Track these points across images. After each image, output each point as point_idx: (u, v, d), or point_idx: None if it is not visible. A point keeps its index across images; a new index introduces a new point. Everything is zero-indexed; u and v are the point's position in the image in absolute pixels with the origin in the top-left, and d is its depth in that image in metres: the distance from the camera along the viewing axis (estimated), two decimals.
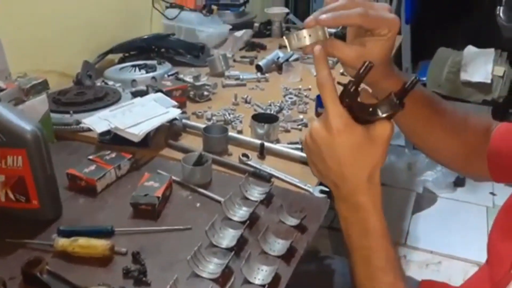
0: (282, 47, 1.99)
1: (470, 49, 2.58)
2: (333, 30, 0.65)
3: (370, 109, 0.60)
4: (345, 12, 0.61)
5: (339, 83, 0.63)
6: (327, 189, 0.95)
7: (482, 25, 2.65)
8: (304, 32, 0.64)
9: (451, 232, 2.32)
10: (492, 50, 2.51)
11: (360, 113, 0.60)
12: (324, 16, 0.61)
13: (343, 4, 0.62)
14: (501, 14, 2.49)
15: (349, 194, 0.62)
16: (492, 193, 2.61)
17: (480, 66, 2.47)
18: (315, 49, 0.62)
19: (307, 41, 0.64)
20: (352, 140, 0.59)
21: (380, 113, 0.60)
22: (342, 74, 1.60)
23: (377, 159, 0.60)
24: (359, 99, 0.61)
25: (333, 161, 0.61)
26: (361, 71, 0.59)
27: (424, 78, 2.60)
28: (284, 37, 0.66)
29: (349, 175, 0.61)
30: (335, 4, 0.63)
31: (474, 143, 0.79)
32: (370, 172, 0.60)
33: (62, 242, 0.79)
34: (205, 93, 1.45)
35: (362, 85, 0.62)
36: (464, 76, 2.48)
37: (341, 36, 0.69)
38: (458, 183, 2.66)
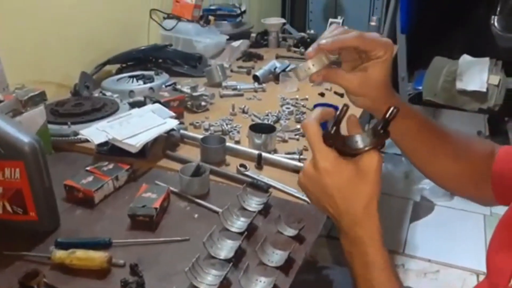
0: (279, 57, 2.00)
1: (465, 58, 2.60)
2: (333, 57, 0.67)
3: (356, 141, 0.62)
4: (342, 36, 0.64)
5: (335, 93, 0.65)
6: None
7: (477, 34, 2.68)
8: (309, 63, 0.67)
9: (448, 241, 2.32)
10: (487, 59, 2.53)
11: (345, 149, 0.62)
12: (323, 41, 0.64)
13: (339, 31, 0.66)
14: (495, 24, 2.52)
15: (348, 228, 0.63)
16: None
17: (475, 75, 2.48)
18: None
19: (313, 70, 0.67)
20: (342, 178, 0.62)
21: (364, 146, 0.61)
22: (336, 93, 1.61)
23: (369, 191, 0.62)
24: (345, 132, 0.63)
25: (328, 199, 0.63)
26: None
27: (420, 87, 2.62)
28: (292, 72, 0.69)
29: (344, 211, 0.63)
30: (332, 31, 0.66)
31: (479, 167, 0.79)
32: (365, 205, 0.62)
33: (60, 254, 0.79)
34: (203, 103, 1.46)
35: (350, 110, 0.63)
36: (460, 85, 2.50)
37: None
38: None
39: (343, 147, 0.62)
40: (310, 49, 0.66)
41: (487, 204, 0.86)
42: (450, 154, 0.79)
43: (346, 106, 0.60)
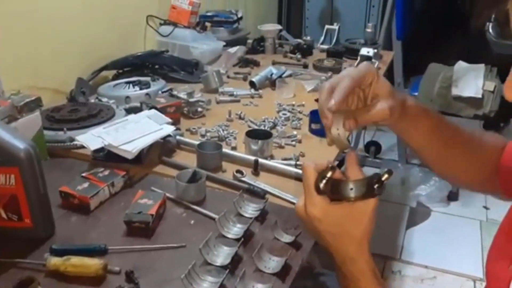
0: (275, 63, 2.00)
1: (460, 64, 2.60)
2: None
3: (351, 189, 0.63)
4: (338, 88, 0.63)
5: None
6: None
7: (472, 41, 2.69)
8: (334, 131, 0.66)
9: (445, 247, 2.32)
10: (482, 65, 2.54)
11: (336, 196, 0.63)
12: (332, 103, 0.62)
13: (331, 86, 0.65)
14: (490, 30, 2.53)
15: (340, 263, 0.65)
16: (485, 207, 2.62)
17: (471, 81, 2.49)
18: None
19: (342, 132, 0.66)
20: (332, 223, 0.63)
21: (355, 197, 0.62)
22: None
23: (361, 233, 0.63)
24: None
25: (319, 238, 0.66)
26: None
27: (416, 93, 2.62)
28: (328, 141, 0.69)
29: (335, 249, 0.65)
30: (326, 93, 0.65)
31: (491, 161, 0.80)
32: (357, 244, 0.64)
33: (55, 261, 0.78)
34: (199, 109, 1.46)
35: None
36: (455, 91, 2.50)
37: None
38: (452, 197, 2.67)
39: (334, 195, 0.63)
40: (325, 120, 0.65)
41: (500, 198, 0.86)
42: (466, 149, 0.80)
43: (333, 168, 0.62)
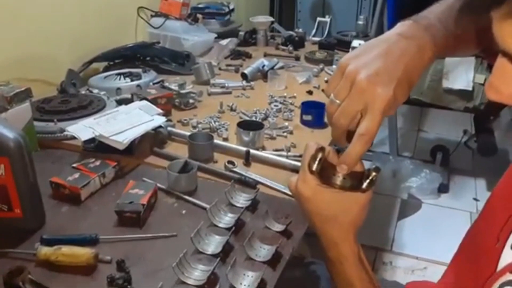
0: (267, 55, 2.00)
1: (451, 57, 2.62)
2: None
3: (338, 178, 0.63)
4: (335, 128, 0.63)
5: (323, 91, 0.66)
6: None
7: None
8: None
9: (436, 238, 2.34)
10: (472, 58, 2.56)
11: (327, 181, 0.63)
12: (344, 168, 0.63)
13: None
14: None
15: (326, 248, 0.66)
16: (476, 199, 2.65)
17: (461, 74, 2.50)
18: None
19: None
20: (318, 206, 0.64)
21: (342, 187, 0.63)
22: (324, 91, 1.61)
23: (349, 219, 0.64)
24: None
25: (308, 218, 0.66)
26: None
27: None
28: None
29: (321, 232, 0.65)
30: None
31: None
32: (345, 229, 0.64)
33: (45, 251, 0.78)
34: (191, 101, 1.46)
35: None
36: (446, 84, 2.52)
37: None
38: (442, 189, 2.69)
39: (323, 177, 0.63)
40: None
41: None
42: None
43: (322, 149, 0.62)
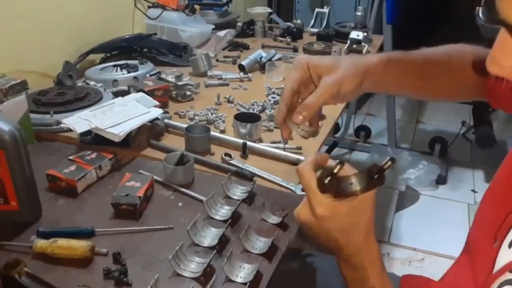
0: (265, 46, 1.99)
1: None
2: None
3: (351, 184, 0.63)
4: (280, 105, 0.78)
5: None
6: None
7: (462, 25, 2.69)
8: (298, 131, 0.80)
9: (433, 229, 2.35)
10: None
11: (340, 193, 0.63)
12: (276, 119, 0.80)
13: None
14: (480, 15, 2.52)
15: (349, 257, 0.66)
16: (474, 191, 2.65)
17: None
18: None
19: (305, 127, 0.79)
20: (340, 220, 0.64)
21: (357, 190, 0.63)
22: None
23: (367, 221, 0.65)
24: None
25: (328, 238, 0.65)
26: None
27: None
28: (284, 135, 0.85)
29: (345, 244, 0.65)
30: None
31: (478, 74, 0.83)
32: (365, 234, 0.65)
33: (41, 244, 0.78)
34: (188, 93, 1.45)
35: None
36: None
37: None
38: (440, 180, 2.70)
39: (337, 192, 0.63)
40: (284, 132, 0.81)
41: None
42: (439, 71, 0.84)
43: (341, 164, 0.62)
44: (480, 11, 0.84)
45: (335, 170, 0.62)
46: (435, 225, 2.38)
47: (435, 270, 2.10)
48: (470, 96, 0.90)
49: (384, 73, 0.77)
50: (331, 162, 0.69)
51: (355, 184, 0.63)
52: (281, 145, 1.16)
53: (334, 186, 0.63)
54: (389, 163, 0.62)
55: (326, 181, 0.62)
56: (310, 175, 0.65)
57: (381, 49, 2.39)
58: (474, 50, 0.87)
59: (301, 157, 1.09)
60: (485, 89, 0.84)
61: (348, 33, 2.00)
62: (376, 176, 0.63)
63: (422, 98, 0.91)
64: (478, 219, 0.74)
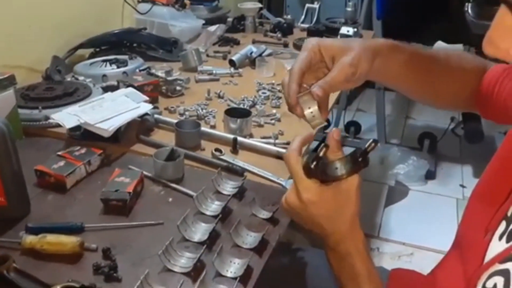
0: (255, 42, 1.99)
1: (439, 44, 2.62)
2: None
3: (336, 169, 0.64)
4: (290, 79, 0.69)
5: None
6: None
7: (451, 21, 2.71)
8: (306, 112, 0.69)
9: (422, 224, 2.37)
10: (460, 46, 2.57)
11: (325, 178, 0.64)
12: (290, 96, 0.69)
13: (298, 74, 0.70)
14: (469, 11, 2.54)
15: (335, 244, 0.66)
16: (462, 186, 2.68)
17: None
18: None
19: (315, 110, 0.69)
20: (326, 206, 0.64)
21: (343, 174, 0.64)
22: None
23: (352, 209, 0.65)
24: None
25: (314, 224, 0.66)
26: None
27: None
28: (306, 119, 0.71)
29: (330, 231, 0.66)
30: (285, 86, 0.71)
31: (473, 82, 0.83)
32: (350, 222, 0.65)
33: (30, 240, 0.78)
34: (178, 88, 1.44)
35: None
36: None
37: None
38: (429, 176, 2.72)
39: (323, 176, 0.64)
40: (291, 109, 0.70)
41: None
42: (440, 74, 0.82)
43: (326, 147, 0.63)
44: (469, 8, 0.84)
45: (321, 154, 0.63)
46: (424, 220, 2.40)
47: (424, 264, 2.10)
48: (462, 104, 0.89)
49: (390, 56, 0.75)
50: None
51: (340, 169, 0.64)
52: (271, 140, 1.17)
53: (319, 170, 0.64)
54: (372, 145, 0.63)
55: (312, 166, 0.63)
56: (296, 161, 0.65)
57: None
58: (472, 57, 0.87)
59: None
60: (477, 99, 0.84)
61: (339, 29, 2.00)
62: (360, 159, 0.64)
63: (417, 96, 0.88)
64: (468, 214, 0.75)
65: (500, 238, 0.62)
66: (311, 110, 0.68)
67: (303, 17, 2.36)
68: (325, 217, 0.65)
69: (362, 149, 0.64)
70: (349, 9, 2.21)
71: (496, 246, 0.62)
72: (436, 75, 0.82)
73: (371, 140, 0.63)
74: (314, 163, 0.63)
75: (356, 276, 0.66)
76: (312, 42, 0.71)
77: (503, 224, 0.63)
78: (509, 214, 0.63)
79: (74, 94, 1.28)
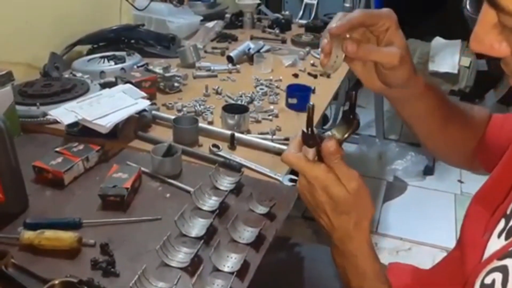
0: (253, 38, 1.99)
1: (438, 40, 2.63)
2: None
3: (332, 135, 0.64)
4: (347, 17, 0.62)
5: (309, 74, 0.67)
6: (296, 178, 0.96)
7: (449, 17, 2.70)
8: (333, 56, 0.64)
9: (420, 219, 2.38)
10: (458, 41, 2.57)
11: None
12: (332, 26, 0.61)
13: (342, 15, 0.63)
14: (467, 6, 2.54)
15: (339, 241, 0.66)
16: (460, 181, 2.68)
17: (447, 57, 2.52)
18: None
19: (339, 60, 0.64)
20: (335, 198, 0.62)
21: (341, 135, 0.64)
22: (309, 74, 1.62)
23: (362, 212, 0.64)
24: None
25: (322, 214, 0.65)
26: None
27: None
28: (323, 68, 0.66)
29: (336, 226, 0.64)
30: (336, 19, 0.63)
31: (479, 136, 0.82)
32: (357, 222, 0.64)
33: (28, 235, 0.78)
34: (175, 84, 1.45)
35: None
36: (432, 67, 2.53)
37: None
38: (427, 171, 2.73)
39: (321, 139, 0.63)
40: (323, 41, 0.63)
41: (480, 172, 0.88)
42: (459, 125, 0.81)
43: (312, 105, 0.62)
44: (467, 3, 0.84)
45: (309, 114, 0.61)
46: (422, 215, 2.41)
47: (422, 259, 2.14)
48: (469, 154, 0.85)
49: (424, 94, 0.72)
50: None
51: (336, 134, 0.64)
52: (269, 136, 1.17)
53: (316, 142, 0.62)
54: (354, 94, 0.63)
55: (309, 131, 0.62)
56: (297, 156, 0.64)
57: None
58: (479, 108, 0.86)
59: None
60: (479, 148, 0.82)
61: None
62: (351, 117, 0.64)
63: (429, 139, 0.83)
64: (470, 214, 0.75)
65: (499, 235, 0.62)
66: (337, 57, 0.64)
67: (301, 13, 2.36)
68: (329, 204, 0.63)
69: (349, 105, 0.64)
70: (347, 4, 2.22)
71: (495, 244, 0.62)
72: (454, 127, 0.80)
73: (353, 93, 0.64)
74: (310, 128, 0.62)
75: (361, 276, 0.66)
76: (392, 15, 0.65)
77: (502, 222, 0.63)
78: (508, 212, 0.63)
79: (72, 91, 1.28)
